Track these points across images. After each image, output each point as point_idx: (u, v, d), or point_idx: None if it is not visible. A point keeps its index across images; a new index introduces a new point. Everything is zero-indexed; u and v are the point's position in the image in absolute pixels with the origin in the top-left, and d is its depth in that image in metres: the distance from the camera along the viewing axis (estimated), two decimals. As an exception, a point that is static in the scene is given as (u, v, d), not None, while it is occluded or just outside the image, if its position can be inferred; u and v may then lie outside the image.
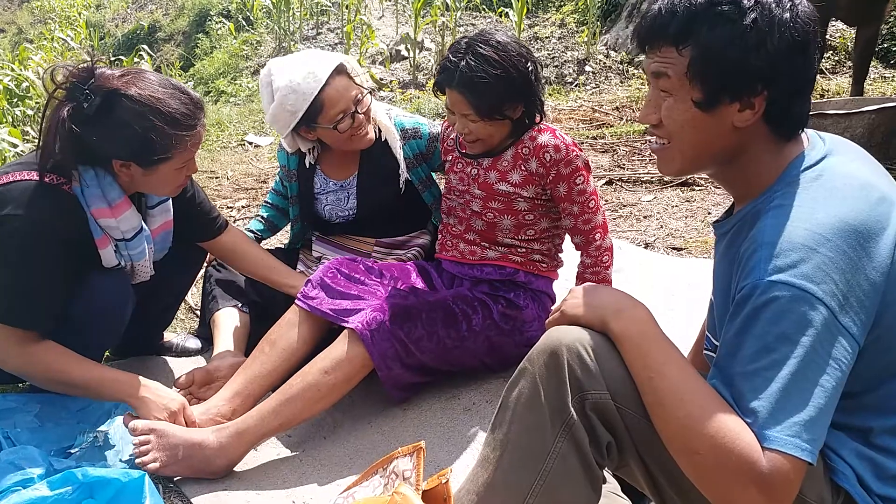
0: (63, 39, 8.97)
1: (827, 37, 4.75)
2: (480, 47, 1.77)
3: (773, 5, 1.05)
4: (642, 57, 5.78)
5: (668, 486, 1.13)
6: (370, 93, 2.12)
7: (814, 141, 1.16)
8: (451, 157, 2.05)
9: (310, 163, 2.25)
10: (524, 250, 1.98)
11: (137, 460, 1.70)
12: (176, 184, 1.86)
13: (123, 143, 1.70)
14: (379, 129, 2.19)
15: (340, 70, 2.05)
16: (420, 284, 2.07)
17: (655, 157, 1.23)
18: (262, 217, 2.49)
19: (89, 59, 1.72)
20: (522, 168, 1.89)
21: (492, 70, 1.76)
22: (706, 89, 1.08)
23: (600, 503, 1.36)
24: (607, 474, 1.43)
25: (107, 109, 1.67)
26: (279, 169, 2.40)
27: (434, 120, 2.27)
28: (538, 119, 1.91)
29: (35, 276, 1.71)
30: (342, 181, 2.25)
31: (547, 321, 1.26)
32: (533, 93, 1.85)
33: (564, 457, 1.10)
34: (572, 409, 1.10)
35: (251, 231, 2.44)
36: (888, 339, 1.04)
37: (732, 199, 1.24)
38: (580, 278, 1.96)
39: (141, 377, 1.82)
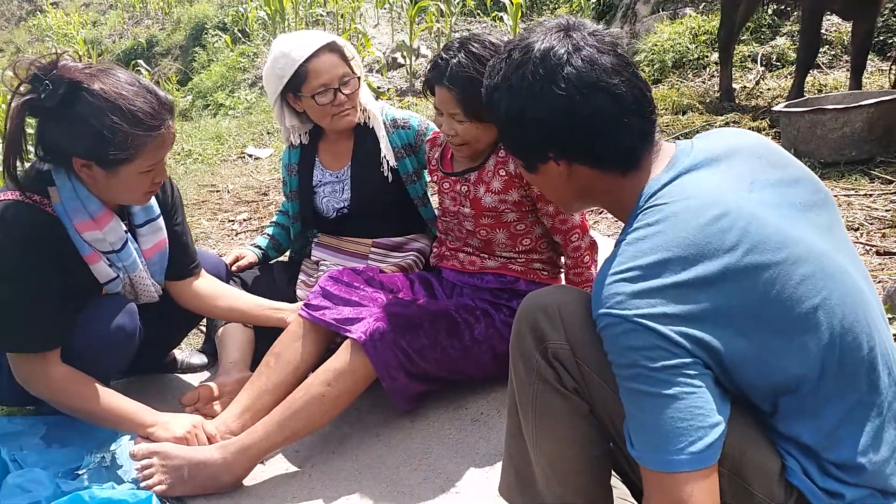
0: (60, 57, 9.01)
1: (823, 31, 4.73)
2: (473, 46, 1.77)
3: (523, 85, 1.13)
4: (637, 56, 5.76)
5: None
6: (358, 78, 2.17)
7: (677, 158, 1.15)
8: (436, 178, 2.05)
9: (300, 142, 2.33)
10: (524, 260, 1.97)
11: (142, 484, 1.69)
12: (142, 190, 1.78)
13: (80, 139, 1.64)
14: (368, 117, 2.24)
15: (333, 48, 2.13)
16: (422, 294, 2.06)
17: None
18: (268, 234, 2.49)
19: (56, 53, 1.65)
20: (502, 172, 1.89)
21: (482, 68, 1.72)
22: (516, 160, 1.29)
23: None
24: (616, 480, 1.42)
25: (66, 102, 1.61)
26: (283, 184, 2.42)
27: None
28: None
29: (35, 295, 1.69)
30: (337, 171, 2.30)
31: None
32: None
33: (543, 394, 1.20)
34: (537, 355, 1.20)
35: (257, 247, 2.45)
36: (761, 355, 1.04)
37: None
38: (566, 278, 2.00)
39: (154, 410, 1.85)
